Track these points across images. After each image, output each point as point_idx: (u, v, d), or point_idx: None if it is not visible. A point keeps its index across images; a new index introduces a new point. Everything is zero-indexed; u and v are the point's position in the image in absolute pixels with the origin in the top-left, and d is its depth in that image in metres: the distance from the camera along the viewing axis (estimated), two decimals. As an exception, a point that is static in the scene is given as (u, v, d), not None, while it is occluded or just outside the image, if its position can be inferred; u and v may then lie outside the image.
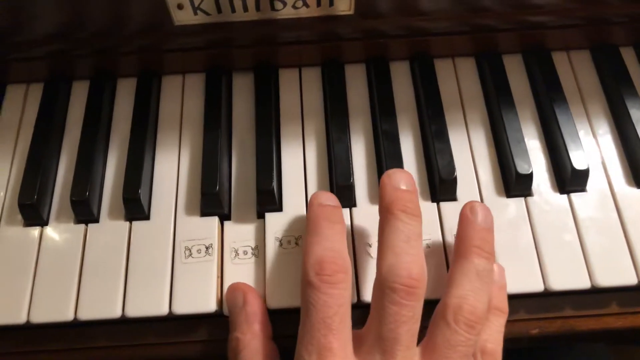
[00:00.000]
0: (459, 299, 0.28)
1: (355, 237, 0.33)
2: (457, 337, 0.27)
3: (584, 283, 0.32)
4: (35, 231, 0.34)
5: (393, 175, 0.30)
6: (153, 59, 0.39)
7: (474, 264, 0.29)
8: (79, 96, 0.40)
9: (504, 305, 0.31)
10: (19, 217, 0.35)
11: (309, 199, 0.35)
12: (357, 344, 0.27)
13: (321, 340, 0.26)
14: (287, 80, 0.40)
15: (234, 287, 0.32)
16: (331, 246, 0.29)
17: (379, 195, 0.31)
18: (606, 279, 0.32)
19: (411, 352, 0.27)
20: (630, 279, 0.32)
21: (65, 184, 0.36)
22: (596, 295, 0.33)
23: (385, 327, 0.26)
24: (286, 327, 0.31)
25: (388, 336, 0.26)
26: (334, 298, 0.27)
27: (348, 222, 0.34)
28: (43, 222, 0.35)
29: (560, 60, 0.40)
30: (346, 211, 0.34)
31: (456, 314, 0.27)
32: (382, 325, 0.27)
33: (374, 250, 0.33)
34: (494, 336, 0.30)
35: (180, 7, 0.33)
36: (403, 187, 0.30)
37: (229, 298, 0.32)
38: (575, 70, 0.40)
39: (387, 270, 0.27)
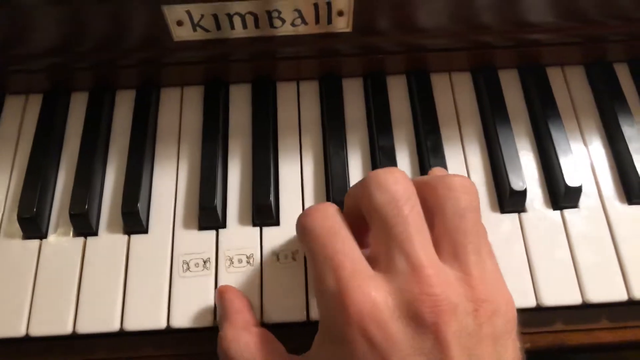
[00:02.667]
0: (437, 178, 0.26)
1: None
2: (460, 203, 0.25)
3: (575, 299, 0.33)
4: (34, 244, 0.35)
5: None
6: (152, 72, 0.39)
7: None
8: (78, 108, 0.40)
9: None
10: (18, 230, 0.35)
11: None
12: (373, 262, 0.25)
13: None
14: (285, 93, 0.40)
15: (217, 292, 0.32)
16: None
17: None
18: (597, 295, 0.33)
19: (426, 235, 0.25)
20: (621, 295, 0.33)
21: (64, 196, 0.37)
22: (587, 310, 0.34)
23: (387, 217, 0.24)
24: (280, 341, 0.31)
25: (394, 222, 0.24)
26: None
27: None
28: (42, 235, 0.35)
29: (555, 75, 0.40)
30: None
31: (446, 183, 0.26)
32: (384, 219, 0.25)
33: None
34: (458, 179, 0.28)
35: (179, 23, 0.33)
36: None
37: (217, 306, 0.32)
38: (570, 86, 0.40)
39: (359, 183, 0.27)
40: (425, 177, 0.28)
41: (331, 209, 0.28)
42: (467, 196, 0.26)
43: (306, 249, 0.27)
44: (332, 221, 0.27)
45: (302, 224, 0.27)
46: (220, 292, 0.32)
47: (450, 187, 0.26)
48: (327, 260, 0.25)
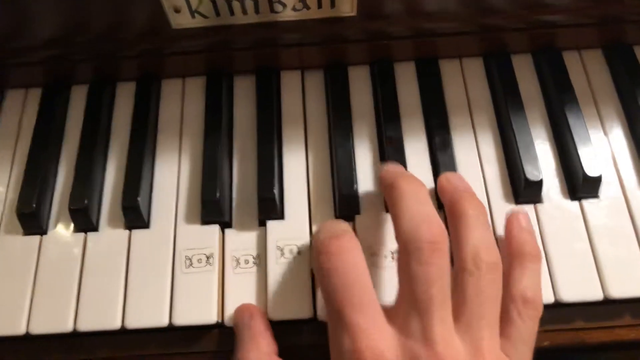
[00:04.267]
0: (472, 247, 0.27)
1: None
2: (482, 281, 0.27)
3: (596, 294, 0.31)
4: (34, 240, 0.34)
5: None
6: (152, 63, 0.38)
7: (468, 214, 0.29)
8: (78, 101, 0.39)
9: (537, 250, 0.31)
10: (18, 225, 0.34)
11: (312, 206, 0.34)
12: (393, 317, 0.26)
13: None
14: (289, 82, 0.39)
15: (241, 308, 0.32)
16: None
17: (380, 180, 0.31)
18: (619, 290, 0.31)
19: (446, 311, 0.26)
20: (644, 290, 0.31)
21: (65, 191, 0.36)
22: (608, 306, 0.32)
23: (417, 289, 0.26)
24: (286, 338, 0.31)
25: (422, 298, 0.26)
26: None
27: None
28: (42, 231, 0.34)
29: (571, 59, 0.39)
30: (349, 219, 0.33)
31: (475, 260, 0.27)
32: (413, 289, 0.26)
33: (380, 261, 0.32)
34: (532, 284, 0.29)
35: (177, 10, 0.32)
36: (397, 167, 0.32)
37: (236, 318, 0.31)
38: (587, 70, 0.38)
39: (406, 233, 0.27)
40: (458, 221, 0.29)
41: (350, 245, 0.28)
42: (490, 276, 0.27)
43: (322, 289, 0.28)
44: (351, 264, 0.27)
45: (320, 264, 0.27)
46: (250, 311, 0.31)
47: (476, 263, 0.27)
48: (344, 317, 0.26)
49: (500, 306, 0.27)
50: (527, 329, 0.28)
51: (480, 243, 0.28)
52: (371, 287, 0.27)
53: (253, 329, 0.30)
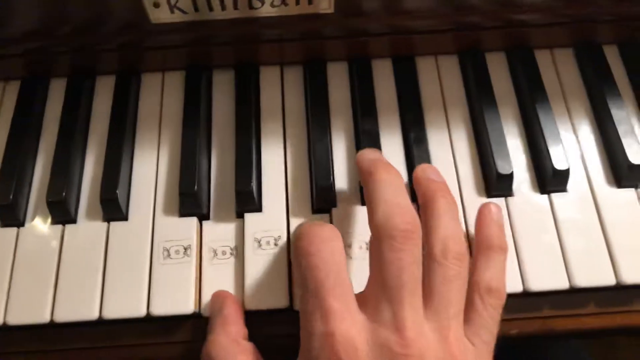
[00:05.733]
0: (441, 237, 0.28)
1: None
2: (450, 271, 0.28)
3: (562, 284, 0.32)
4: (11, 232, 0.34)
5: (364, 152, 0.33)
6: (132, 57, 0.38)
7: (439, 204, 0.30)
8: (56, 94, 0.39)
9: (504, 243, 0.32)
10: (-5, 217, 0.34)
11: (289, 199, 0.35)
12: (363, 304, 0.27)
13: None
14: (268, 78, 0.39)
15: (215, 295, 0.32)
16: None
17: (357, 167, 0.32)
18: (585, 280, 0.32)
19: (416, 297, 0.27)
20: (608, 280, 0.32)
21: (42, 184, 0.36)
22: (574, 295, 0.33)
23: (388, 275, 0.26)
24: (263, 328, 0.31)
25: (392, 284, 0.26)
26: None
27: (327, 222, 0.34)
28: (19, 223, 0.34)
29: (543, 58, 0.40)
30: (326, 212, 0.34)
31: (443, 250, 0.28)
32: (385, 275, 0.26)
33: (354, 251, 0.33)
34: (497, 274, 0.30)
35: (156, 5, 0.33)
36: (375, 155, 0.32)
37: (210, 305, 0.32)
38: (558, 68, 0.40)
39: (381, 220, 0.27)
40: (430, 212, 0.30)
41: (331, 233, 0.28)
42: (456, 266, 0.28)
43: (299, 273, 0.28)
44: (329, 250, 0.28)
45: (299, 249, 0.28)
46: (222, 298, 0.32)
47: (444, 253, 0.28)
48: (319, 299, 0.26)
49: (465, 295, 0.28)
50: (490, 317, 0.29)
51: (449, 233, 0.29)
52: (347, 276, 0.28)
53: (224, 315, 0.30)
